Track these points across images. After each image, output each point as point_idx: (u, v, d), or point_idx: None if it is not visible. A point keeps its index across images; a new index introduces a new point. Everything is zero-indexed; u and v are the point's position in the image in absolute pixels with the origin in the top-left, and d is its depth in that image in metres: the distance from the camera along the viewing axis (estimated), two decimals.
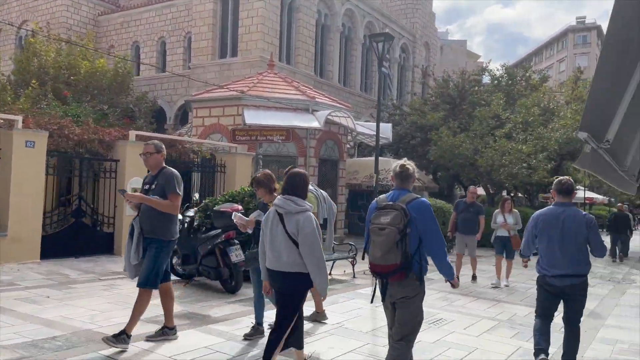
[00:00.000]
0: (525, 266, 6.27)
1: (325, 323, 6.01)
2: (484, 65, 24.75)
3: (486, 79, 24.54)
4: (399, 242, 3.42)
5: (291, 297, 3.96)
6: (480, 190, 19.58)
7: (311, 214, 3.90)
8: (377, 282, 3.73)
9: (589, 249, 4.49)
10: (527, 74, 23.60)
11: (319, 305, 6.06)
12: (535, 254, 4.73)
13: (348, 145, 19.58)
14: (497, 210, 9.65)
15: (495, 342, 5.66)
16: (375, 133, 17.44)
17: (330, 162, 16.57)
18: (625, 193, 25.72)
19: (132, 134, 10.63)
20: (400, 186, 3.72)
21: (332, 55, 26.89)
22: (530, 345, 5.02)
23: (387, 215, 3.50)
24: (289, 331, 3.94)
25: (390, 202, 3.59)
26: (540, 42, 72.15)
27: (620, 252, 15.88)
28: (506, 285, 9.35)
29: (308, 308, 5.58)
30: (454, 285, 3.85)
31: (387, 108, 25.33)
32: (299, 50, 24.04)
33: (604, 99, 4.07)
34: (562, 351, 4.55)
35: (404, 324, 3.60)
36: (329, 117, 14.77)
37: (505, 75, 23.69)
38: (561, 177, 4.70)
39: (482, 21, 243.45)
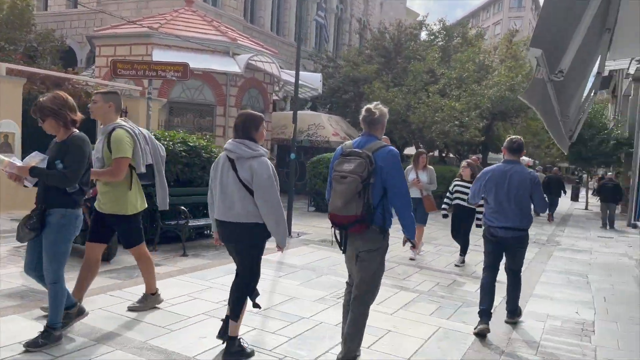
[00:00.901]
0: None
1: (158, 308, 4.57)
2: (422, 19, 23.83)
3: (424, 36, 23.69)
4: (361, 191, 3.25)
5: (248, 251, 3.59)
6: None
7: (267, 159, 3.56)
8: (337, 233, 3.51)
9: (531, 204, 4.72)
10: (464, 30, 22.93)
11: (150, 285, 4.56)
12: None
13: (276, 97, 18.23)
14: (409, 167, 7.95)
15: (411, 322, 4.78)
16: (304, 83, 16.24)
17: None
18: (549, 156, 26.21)
19: (2, 66, 8.74)
20: (368, 132, 3.50)
21: (264, 0, 24.96)
22: (451, 324, 4.82)
23: (351, 162, 3.31)
24: (255, 287, 3.65)
25: (356, 149, 3.38)
26: (477, 5, 72.42)
27: (550, 212, 16.29)
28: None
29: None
30: (414, 246, 3.77)
31: (321, 60, 24.00)
32: None
33: (560, 17, 3.12)
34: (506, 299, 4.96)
35: (362, 280, 3.46)
36: (251, 61, 13.33)
37: (443, 31, 22.92)
38: (512, 136, 4.91)
39: None
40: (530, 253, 9.08)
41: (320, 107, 22.55)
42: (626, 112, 21.14)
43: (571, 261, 8.82)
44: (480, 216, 7.43)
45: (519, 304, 5.05)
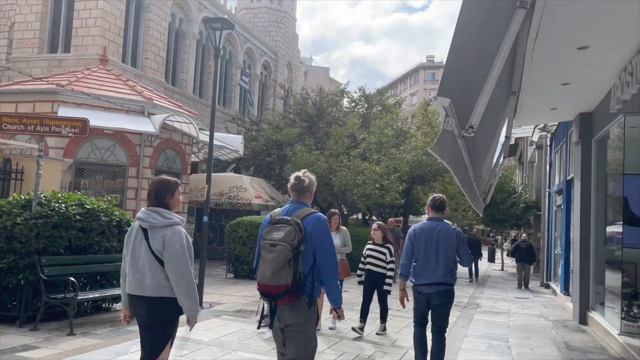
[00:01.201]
0: (403, 296, 5.11)
1: None
2: (343, 87, 24.67)
3: (345, 103, 24.46)
4: (292, 260, 3.16)
5: (157, 328, 3.33)
6: None
7: (181, 228, 3.40)
8: (265, 305, 3.35)
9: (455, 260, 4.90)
10: (383, 98, 23.95)
11: None
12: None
13: (195, 158, 17.69)
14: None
15: None
16: (224, 144, 15.91)
17: (170, 175, 14.46)
18: (465, 219, 27.07)
19: None
20: (297, 199, 3.45)
21: (187, 63, 24.86)
22: None
23: (280, 230, 3.23)
24: None
25: (285, 217, 3.31)
26: (395, 77, 77.07)
27: (475, 274, 17.03)
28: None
29: None
30: (340, 317, 3.46)
31: (245, 123, 23.95)
32: (147, 54, 21.62)
33: (467, 72, 3.01)
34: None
35: (297, 355, 3.26)
36: (168, 121, 12.85)
37: (363, 98, 23.78)
38: (435, 195, 5.00)
39: (346, 55, 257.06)
40: (452, 317, 8.98)
41: (244, 170, 22.19)
42: (532, 177, 22.57)
43: (491, 324, 8.74)
44: (389, 281, 7.17)
45: None
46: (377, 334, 7.25)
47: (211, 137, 8.85)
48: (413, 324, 5.12)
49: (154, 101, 13.56)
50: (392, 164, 16.99)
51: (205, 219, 8.96)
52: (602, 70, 6.57)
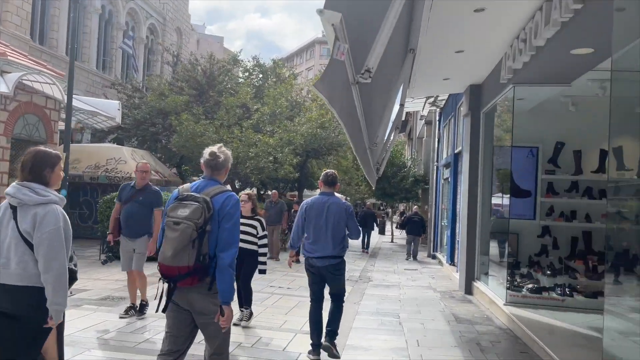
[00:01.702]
0: (296, 261, 5.86)
1: None
2: (236, 55, 23.45)
3: (239, 73, 23.30)
4: (196, 240, 2.92)
5: (24, 325, 2.84)
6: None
7: (58, 207, 2.91)
8: (164, 287, 3.08)
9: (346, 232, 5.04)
10: (278, 69, 23.15)
11: None
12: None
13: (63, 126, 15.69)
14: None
15: None
16: (97, 110, 14.18)
17: (32, 144, 12.59)
18: (358, 193, 27.46)
19: None
20: (210, 176, 3.24)
21: (58, 20, 22.03)
22: None
23: (186, 207, 3.00)
24: None
25: (193, 193, 3.08)
26: (292, 51, 76.29)
27: (366, 246, 17.75)
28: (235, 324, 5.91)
29: None
30: (223, 313, 3.00)
31: (126, 89, 21.88)
32: (7, 6, 18.70)
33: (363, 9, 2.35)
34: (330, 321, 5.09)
35: (212, 339, 3.10)
36: (26, 81, 11.02)
37: (257, 68, 22.79)
38: (327, 170, 5.20)
39: (242, 27, 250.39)
40: None
41: (126, 141, 20.30)
42: (421, 152, 23.29)
43: (383, 299, 8.56)
44: (263, 259, 6.29)
45: None
46: (235, 324, 5.84)
47: (69, 95, 7.54)
48: (310, 300, 5.18)
49: (9, 57, 11.55)
50: (287, 136, 16.39)
51: (64, 192, 7.66)
52: (496, 37, 6.39)
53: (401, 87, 6.39)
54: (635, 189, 8.05)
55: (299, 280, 9.58)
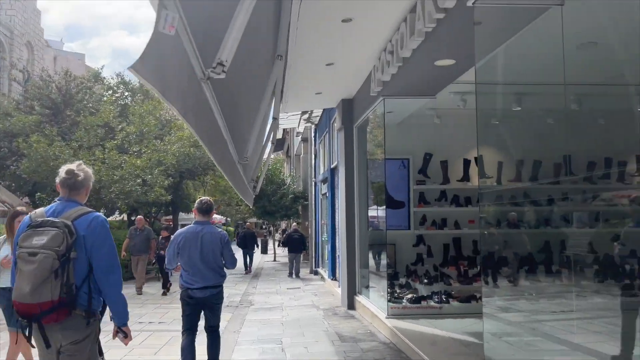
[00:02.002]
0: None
1: None
2: (98, 72, 21.69)
3: (100, 90, 21.50)
4: (58, 270, 2.63)
5: None
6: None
7: None
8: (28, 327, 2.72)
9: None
10: (145, 87, 21.78)
11: None
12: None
13: None
14: (1, 237, 5.12)
15: None
16: None
17: None
18: (239, 212, 26.80)
19: None
20: (68, 197, 2.93)
21: None
22: None
23: (43, 235, 2.69)
24: None
25: (50, 218, 2.76)
26: None
27: (249, 266, 17.48)
28: None
29: None
30: (126, 336, 2.95)
31: None
32: None
33: None
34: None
35: None
36: None
37: (121, 85, 21.25)
38: (202, 197, 5.13)
39: (107, 44, 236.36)
40: (223, 321, 8.07)
41: None
42: (299, 169, 23.36)
43: (265, 324, 8.10)
44: None
45: None
46: None
47: None
48: (182, 333, 4.94)
49: None
50: (156, 156, 15.31)
51: None
52: (364, 49, 6.37)
53: (273, 99, 6.08)
54: (496, 195, 8.57)
55: (173, 312, 8.76)
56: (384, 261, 8.33)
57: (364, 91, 8.02)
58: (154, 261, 12.66)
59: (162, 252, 11.70)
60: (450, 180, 8.64)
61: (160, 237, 12.18)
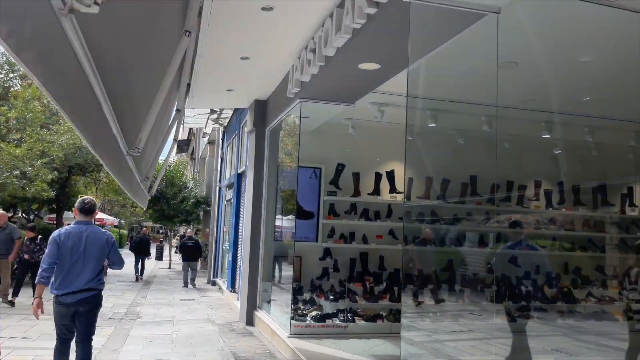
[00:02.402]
0: (39, 304, 4.40)
1: None
2: None
3: None
4: None
5: None
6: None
7: None
8: None
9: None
10: None
11: None
12: None
13: None
14: None
15: None
16: None
17: None
18: (134, 215, 25.17)
19: None
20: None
21: None
22: None
23: None
24: None
25: None
26: None
27: (140, 273, 16.30)
28: None
29: None
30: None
31: None
32: None
33: None
34: None
35: None
36: None
37: (6, 65, 18.92)
38: (85, 197, 4.88)
39: None
40: (103, 337, 7.09)
41: None
42: (203, 172, 22.29)
43: (151, 341, 7.23)
44: None
45: None
46: None
47: None
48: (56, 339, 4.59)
49: None
50: (39, 146, 13.62)
51: None
52: (284, 44, 5.88)
53: (178, 88, 5.38)
54: (418, 211, 8.44)
55: (43, 325, 7.58)
56: (288, 274, 7.85)
57: (280, 92, 7.53)
58: (15, 266, 10.94)
59: (25, 255, 10.23)
60: (361, 193, 8.39)
61: (26, 237, 10.58)
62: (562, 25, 4.42)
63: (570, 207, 9.46)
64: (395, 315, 7.15)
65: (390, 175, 8.61)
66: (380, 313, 7.23)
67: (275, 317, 7.61)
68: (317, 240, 8.20)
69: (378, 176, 8.48)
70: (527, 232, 8.54)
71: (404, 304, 5.36)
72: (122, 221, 39.82)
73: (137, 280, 15.76)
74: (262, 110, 8.80)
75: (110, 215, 34.52)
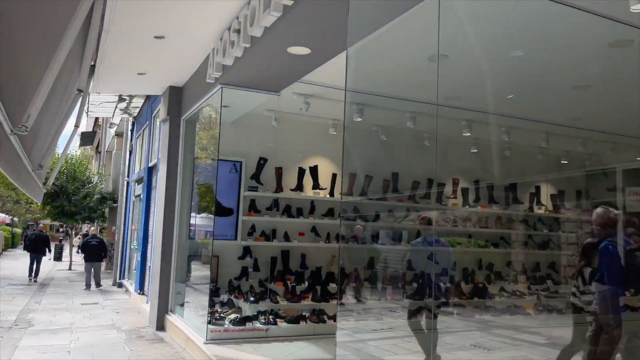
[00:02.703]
0: None
1: None
2: None
3: None
4: None
5: None
6: None
7: None
8: None
9: None
10: None
11: None
12: None
13: None
14: None
15: None
16: None
17: None
18: (30, 212, 23.10)
19: None
20: None
21: None
22: None
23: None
24: None
25: None
26: None
27: (35, 274, 15.05)
28: None
29: None
30: None
31: None
32: None
33: None
34: None
35: None
36: None
37: None
38: None
39: None
40: None
41: None
42: (110, 166, 20.79)
43: (45, 352, 6.37)
44: None
45: None
46: None
47: None
48: None
49: None
50: None
51: None
52: (205, 23, 5.36)
53: (81, 63, 4.70)
54: (352, 206, 8.20)
55: None
56: (205, 274, 7.30)
57: (199, 78, 6.96)
58: None
59: None
60: (284, 188, 8.04)
61: None
62: (497, 17, 4.35)
63: (485, 205, 9.75)
64: (318, 316, 6.86)
65: (314, 170, 8.33)
66: (303, 314, 6.91)
67: (190, 321, 7.03)
68: (236, 238, 7.73)
69: (301, 171, 8.18)
70: (437, 229, 8.72)
71: (341, 303, 5.06)
72: (16, 219, 36.44)
73: (31, 282, 14.37)
74: (177, 97, 8.15)
75: (1, 212, 31.40)
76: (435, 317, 5.87)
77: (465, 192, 9.31)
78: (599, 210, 4.23)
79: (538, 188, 10.17)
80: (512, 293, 8.85)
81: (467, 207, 9.37)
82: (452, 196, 9.43)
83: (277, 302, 6.99)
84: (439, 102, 7.24)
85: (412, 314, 5.95)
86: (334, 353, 5.83)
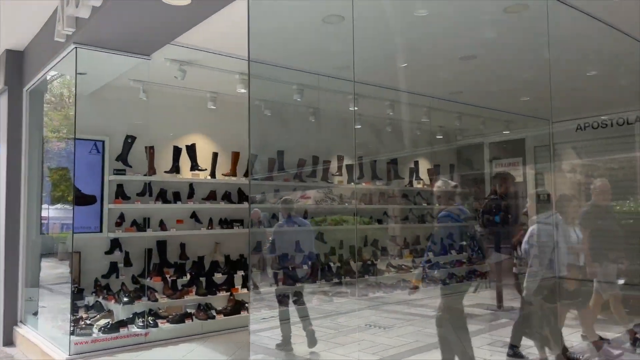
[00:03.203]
0: None
1: None
2: None
3: None
4: None
5: None
6: None
7: None
8: None
9: None
10: None
11: None
12: None
13: None
14: None
15: None
16: None
17: None
18: None
19: None
20: None
21: None
22: None
23: None
24: None
25: None
26: None
27: None
28: None
29: None
30: None
31: None
32: None
33: None
34: None
35: None
36: None
37: None
38: None
39: None
40: None
41: None
42: None
43: None
44: None
45: None
46: None
47: None
48: None
49: None
50: None
51: None
52: None
53: None
54: (261, 190, 7.47)
55: None
56: (64, 275, 6.16)
57: (46, 38, 5.71)
58: None
59: None
60: (157, 171, 7.10)
61: None
62: None
63: (368, 182, 9.71)
64: (205, 312, 6.14)
65: (192, 149, 7.49)
66: (188, 311, 6.14)
67: (47, 332, 5.86)
68: (101, 231, 6.66)
69: (177, 151, 7.29)
70: (325, 208, 8.56)
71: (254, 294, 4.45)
72: None
73: None
74: (17, 63, 6.71)
75: None
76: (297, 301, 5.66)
77: (349, 168, 9.14)
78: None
79: (417, 163, 10.42)
80: (399, 268, 8.93)
81: (352, 184, 9.23)
82: (337, 173, 9.22)
83: (157, 300, 6.12)
84: (329, 74, 6.83)
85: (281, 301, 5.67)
86: (229, 351, 5.21)
